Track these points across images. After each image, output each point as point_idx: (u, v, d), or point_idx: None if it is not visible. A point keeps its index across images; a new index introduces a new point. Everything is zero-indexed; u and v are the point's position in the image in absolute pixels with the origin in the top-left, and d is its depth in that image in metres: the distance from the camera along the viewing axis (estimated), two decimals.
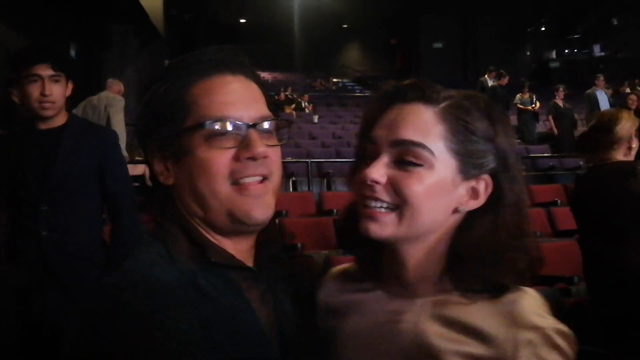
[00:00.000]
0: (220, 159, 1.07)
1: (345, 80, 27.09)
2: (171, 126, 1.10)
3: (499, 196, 1.02)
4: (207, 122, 1.07)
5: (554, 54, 28.63)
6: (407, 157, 0.99)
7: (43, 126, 2.85)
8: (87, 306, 1.05)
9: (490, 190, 1.02)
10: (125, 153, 7.47)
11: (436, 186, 0.99)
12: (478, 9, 24.55)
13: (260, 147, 1.07)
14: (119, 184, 3.02)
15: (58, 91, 2.81)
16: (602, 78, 12.55)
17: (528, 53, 28.45)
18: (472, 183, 1.02)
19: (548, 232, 6.03)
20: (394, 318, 1.06)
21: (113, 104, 7.56)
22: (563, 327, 0.95)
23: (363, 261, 1.16)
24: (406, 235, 1.02)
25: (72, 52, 14.19)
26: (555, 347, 0.93)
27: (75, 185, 2.84)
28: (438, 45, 26.50)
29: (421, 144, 0.99)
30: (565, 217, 6.41)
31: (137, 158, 10.27)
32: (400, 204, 1.00)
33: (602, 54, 26.54)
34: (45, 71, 2.77)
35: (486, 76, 13.29)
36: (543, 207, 6.42)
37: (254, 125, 1.08)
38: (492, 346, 0.95)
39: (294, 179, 8.39)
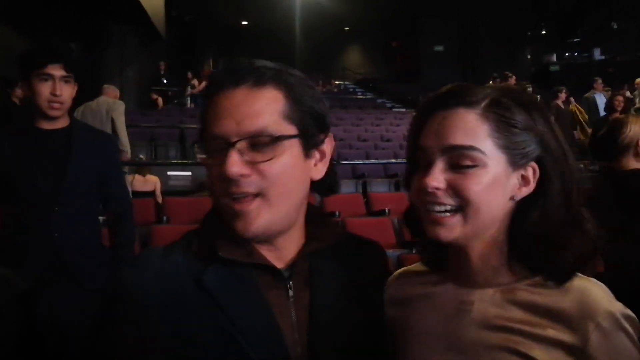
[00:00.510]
0: (214, 176, 1.09)
1: (346, 82, 27.11)
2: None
3: (546, 180, 1.07)
4: (199, 140, 1.11)
5: (554, 57, 28.63)
6: (461, 161, 1.05)
7: (46, 126, 2.87)
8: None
9: (537, 175, 1.08)
10: (127, 148, 7.62)
11: (492, 182, 1.05)
12: (478, 12, 24.56)
13: (233, 167, 1.05)
14: (120, 188, 3.17)
15: (67, 92, 2.85)
16: (600, 81, 12.56)
17: (528, 56, 28.46)
18: (522, 171, 1.08)
19: None
20: (464, 308, 1.11)
21: (114, 107, 7.72)
22: (629, 312, 1.01)
23: (430, 257, 1.22)
24: (472, 232, 1.07)
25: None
26: (624, 331, 0.99)
27: (83, 187, 2.90)
28: (439, 48, 26.50)
29: (472, 147, 1.05)
30: None
31: (140, 156, 10.39)
32: (463, 205, 1.06)
33: (602, 57, 26.55)
34: (58, 71, 2.80)
35: (490, 84, 13.29)
36: None
37: (233, 144, 1.06)
38: (564, 328, 1.00)
39: None
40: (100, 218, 3.19)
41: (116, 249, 3.04)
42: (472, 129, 1.05)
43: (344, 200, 7.41)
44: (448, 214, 1.06)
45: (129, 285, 1.09)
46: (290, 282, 1.15)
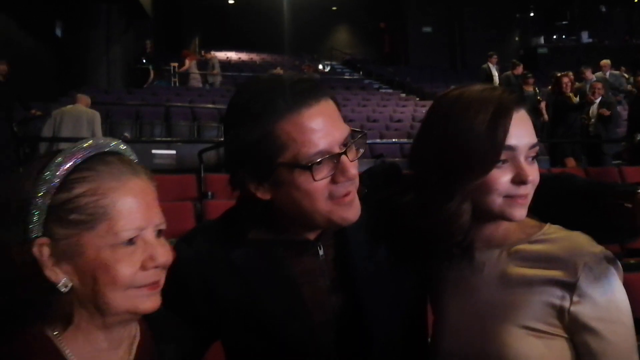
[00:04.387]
0: (322, 187, 1.21)
1: (334, 62, 26.97)
2: (266, 159, 1.20)
3: None
4: (306, 160, 1.18)
5: (542, 40, 28.65)
6: (533, 155, 1.25)
7: None
8: None
9: None
10: None
11: None
12: None
13: (353, 170, 1.22)
14: None
15: None
16: (590, 70, 12.62)
17: (517, 39, 28.45)
18: None
19: None
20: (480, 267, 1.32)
21: (94, 119, 8.50)
22: (611, 254, 1.19)
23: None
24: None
25: (58, 31, 14.02)
26: (608, 268, 1.17)
27: None
28: (427, 29, 26.37)
29: (539, 141, 1.27)
30: None
31: (125, 134, 10.37)
32: (533, 191, 1.26)
33: (590, 40, 26.61)
34: None
35: (488, 63, 13.28)
36: None
37: (345, 152, 1.21)
38: (559, 267, 1.19)
39: None
40: None
41: None
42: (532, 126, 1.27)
43: None
44: (526, 199, 1.25)
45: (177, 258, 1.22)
46: (320, 244, 1.32)
